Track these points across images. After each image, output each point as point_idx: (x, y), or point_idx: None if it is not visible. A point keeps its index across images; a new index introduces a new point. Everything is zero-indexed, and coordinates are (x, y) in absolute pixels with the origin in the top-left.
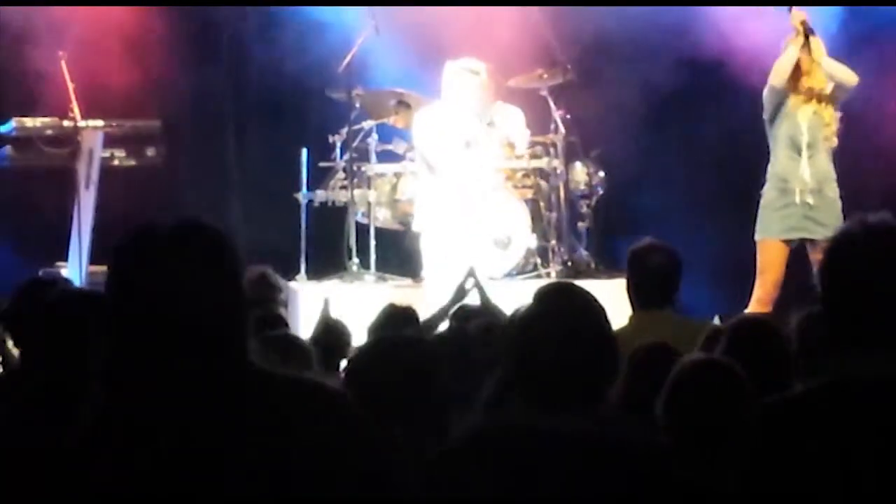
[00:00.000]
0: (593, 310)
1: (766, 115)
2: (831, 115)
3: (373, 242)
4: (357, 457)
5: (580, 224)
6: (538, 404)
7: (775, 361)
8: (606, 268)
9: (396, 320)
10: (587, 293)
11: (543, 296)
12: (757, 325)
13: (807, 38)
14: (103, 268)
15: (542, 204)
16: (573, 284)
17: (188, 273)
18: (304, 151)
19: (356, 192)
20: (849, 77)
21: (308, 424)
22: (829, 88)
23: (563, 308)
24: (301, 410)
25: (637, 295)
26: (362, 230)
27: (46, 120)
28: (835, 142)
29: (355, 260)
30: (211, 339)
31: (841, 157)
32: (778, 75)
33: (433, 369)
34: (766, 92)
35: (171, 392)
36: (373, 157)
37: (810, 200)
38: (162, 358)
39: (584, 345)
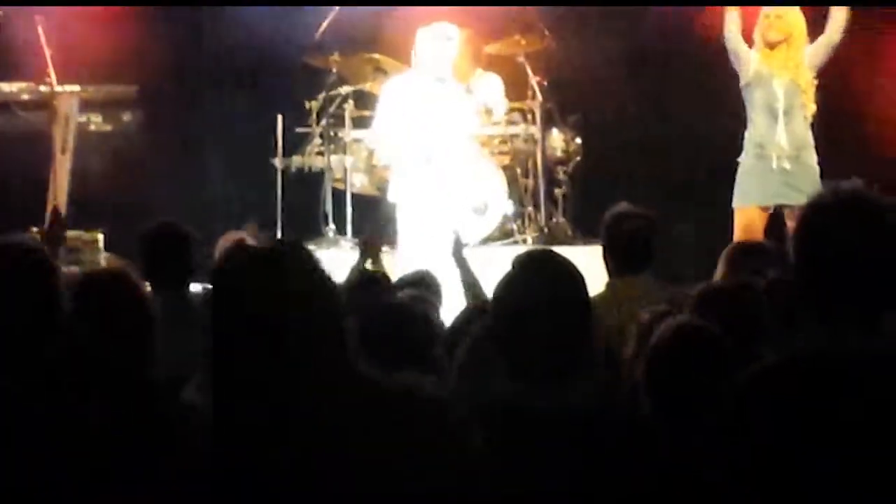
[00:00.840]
0: (573, 277)
1: (741, 83)
2: (807, 82)
3: (349, 209)
4: (451, 466)
5: (557, 191)
6: (515, 372)
7: (742, 328)
8: (583, 234)
9: (369, 283)
10: (566, 260)
11: (522, 264)
12: (723, 292)
13: None
14: (79, 233)
15: (518, 170)
16: (552, 252)
17: (287, 287)
18: (280, 118)
19: (333, 158)
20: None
21: (406, 432)
22: (797, 43)
23: (543, 276)
24: (401, 418)
25: (613, 261)
26: (339, 196)
27: (22, 85)
28: (813, 108)
29: (331, 226)
30: (312, 347)
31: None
32: (724, 28)
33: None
34: (729, 56)
35: (280, 400)
36: (349, 124)
37: (787, 166)
38: (267, 367)
39: (564, 313)
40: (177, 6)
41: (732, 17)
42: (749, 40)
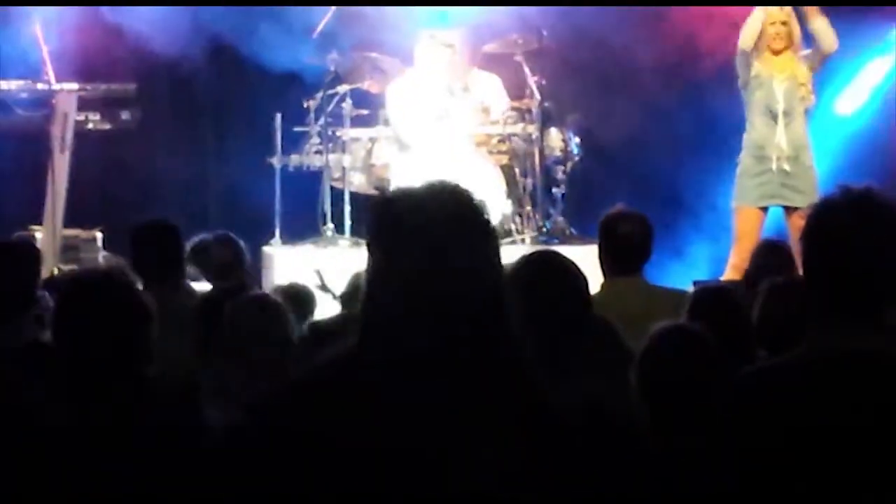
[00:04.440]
0: (576, 276)
1: (740, 82)
2: (805, 75)
3: (347, 207)
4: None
5: (555, 190)
6: None
7: (735, 330)
8: (581, 234)
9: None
10: (570, 261)
11: (528, 263)
12: (717, 294)
13: None
14: (76, 231)
15: (516, 170)
16: (557, 252)
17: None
18: (279, 116)
19: (331, 156)
20: (825, 43)
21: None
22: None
23: (547, 274)
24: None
25: (608, 262)
26: (337, 195)
27: (21, 83)
28: (812, 100)
29: (330, 225)
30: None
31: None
32: (745, 38)
33: None
34: (736, 57)
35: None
36: (347, 122)
37: (787, 167)
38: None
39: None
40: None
41: (759, 18)
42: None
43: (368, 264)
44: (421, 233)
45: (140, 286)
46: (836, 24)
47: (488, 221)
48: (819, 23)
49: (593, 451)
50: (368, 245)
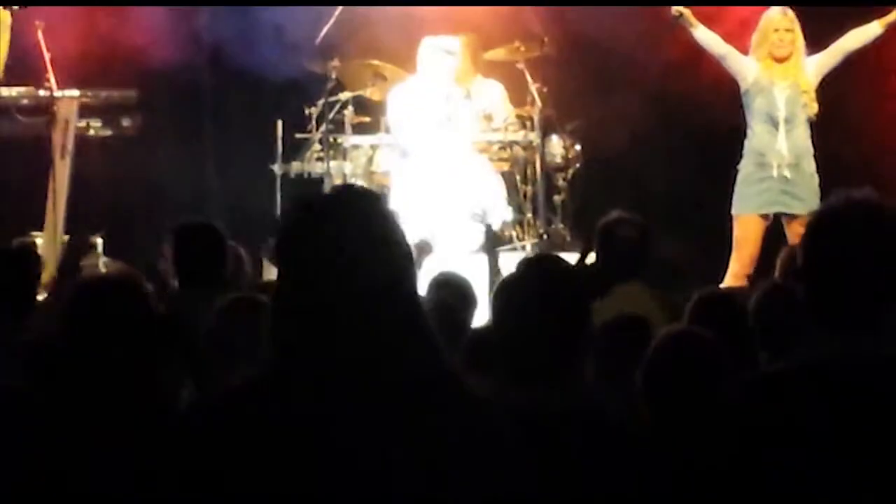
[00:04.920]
0: (573, 281)
1: (742, 88)
2: (808, 84)
3: None
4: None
5: (556, 197)
6: (514, 374)
7: (735, 337)
8: (582, 241)
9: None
10: (569, 265)
11: (527, 267)
12: (717, 301)
13: None
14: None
15: (518, 177)
16: (558, 257)
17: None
18: (280, 123)
19: (332, 163)
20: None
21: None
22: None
23: (544, 278)
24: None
25: (606, 267)
26: None
27: (22, 89)
28: (815, 107)
29: None
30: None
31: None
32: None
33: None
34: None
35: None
36: (348, 129)
37: (787, 174)
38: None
39: (562, 315)
40: (177, 7)
41: (709, 36)
42: (743, 48)
43: (277, 280)
44: (331, 245)
45: (176, 285)
46: None
47: (400, 229)
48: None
49: (579, 456)
50: (276, 260)
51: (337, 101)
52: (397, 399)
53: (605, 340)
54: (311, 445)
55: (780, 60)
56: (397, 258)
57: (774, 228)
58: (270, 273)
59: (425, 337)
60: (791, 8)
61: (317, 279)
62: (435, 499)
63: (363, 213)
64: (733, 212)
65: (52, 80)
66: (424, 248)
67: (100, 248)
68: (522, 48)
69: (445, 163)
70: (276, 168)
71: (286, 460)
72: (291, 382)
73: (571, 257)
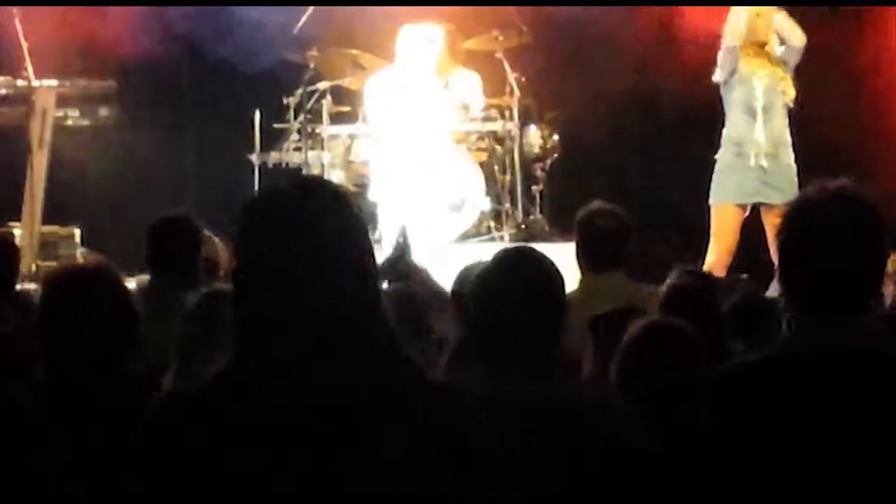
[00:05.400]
0: (551, 275)
1: (719, 78)
2: (784, 71)
3: None
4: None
5: (534, 187)
6: (495, 368)
7: (707, 325)
8: (560, 231)
9: None
10: (545, 258)
11: (503, 259)
12: (689, 289)
13: None
14: (55, 228)
15: (496, 167)
16: (533, 249)
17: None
18: (258, 113)
19: (310, 153)
20: (795, 38)
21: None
22: (772, 41)
23: (522, 272)
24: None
25: (586, 258)
26: None
27: (0, 79)
28: (792, 94)
29: None
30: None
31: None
32: (733, 35)
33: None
34: (720, 54)
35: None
36: (326, 119)
37: (765, 164)
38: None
39: (540, 308)
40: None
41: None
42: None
43: (237, 267)
44: (290, 231)
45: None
46: None
47: (357, 216)
48: (779, 25)
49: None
50: (236, 248)
51: (315, 91)
52: (356, 392)
53: (603, 334)
54: (272, 439)
55: (762, 45)
56: (353, 254)
57: (752, 218)
58: None
59: (383, 328)
60: (787, 8)
61: (272, 275)
62: (399, 493)
63: (320, 208)
64: (711, 201)
65: (30, 69)
66: (405, 243)
67: (77, 239)
68: (501, 38)
69: (423, 152)
70: (255, 158)
71: (246, 457)
72: (249, 378)
73: (550, 248)
